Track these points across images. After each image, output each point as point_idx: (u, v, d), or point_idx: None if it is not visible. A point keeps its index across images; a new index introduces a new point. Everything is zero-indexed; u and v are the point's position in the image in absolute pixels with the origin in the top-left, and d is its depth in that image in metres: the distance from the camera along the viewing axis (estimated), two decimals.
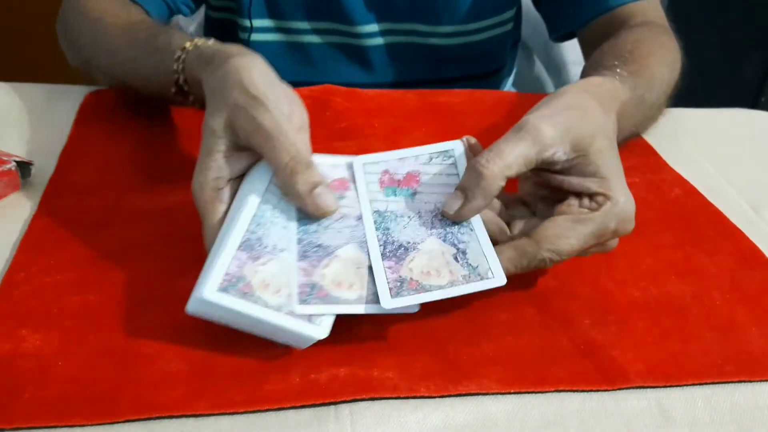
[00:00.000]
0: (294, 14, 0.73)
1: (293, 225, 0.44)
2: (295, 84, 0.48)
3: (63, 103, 0.64)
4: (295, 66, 0.76)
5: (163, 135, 0.61)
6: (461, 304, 0.45)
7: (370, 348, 0.41)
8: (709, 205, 0.57)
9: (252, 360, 0.40)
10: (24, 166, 0.53)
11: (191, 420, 0.37)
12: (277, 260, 0.41)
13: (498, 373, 0.40)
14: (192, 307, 0.39)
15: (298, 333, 0.39)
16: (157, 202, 0.52)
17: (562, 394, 0.40)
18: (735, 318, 0.45)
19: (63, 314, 0.42)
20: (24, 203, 0.52)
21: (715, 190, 0.59)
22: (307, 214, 0.44)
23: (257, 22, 0.74)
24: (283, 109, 0.44)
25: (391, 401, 0.38)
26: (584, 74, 0.61)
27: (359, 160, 0.47)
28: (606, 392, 0.40)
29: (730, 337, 0.44)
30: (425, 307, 0.44)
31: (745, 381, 0.41)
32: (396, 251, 0.43)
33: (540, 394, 0.40)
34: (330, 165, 0.47)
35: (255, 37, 0.75)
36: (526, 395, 0.40)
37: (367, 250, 0.43)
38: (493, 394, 0.39)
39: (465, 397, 0.39)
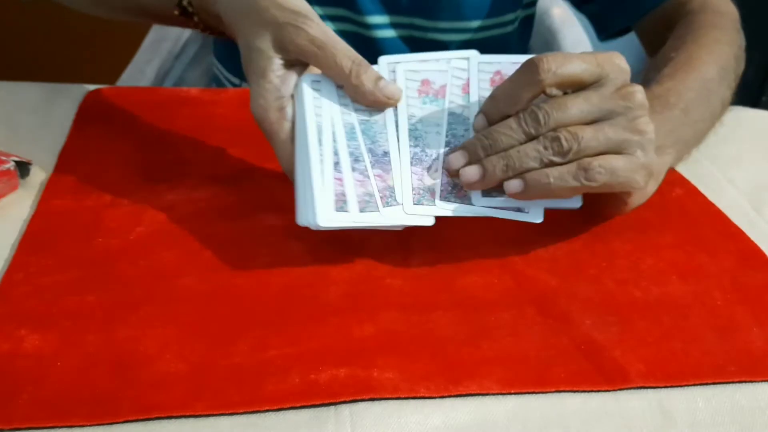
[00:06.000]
0: None
1: (361, 129, 0.46)
2: None
3: (62, 103, 0.64)
4: None
5: (163, 135, 0.60)
6: (461, 303, 0.44)
7: (370, 348, 0.41)
8: (710, 205, 0.57)
9: (251, 360, 0.40)
10: (23, 166, 0.53)
11: (190, 420, 0.37)
12: (358, 171, 0.45)
13: (498, 373, 0.40)
14: (305, 223, 0.44)
15: (413, 225, 0.45)
16: (157, 201, 0.52)
17: (562, 394, 0.40)
18: (736, 318, 0.45)
19: (62, 314, 0.42)
20: (23, 203, 0.52)
21: (717, 190, 0.59)
22: (378, 106, 0.46)
23: None
24: (322, 20, 0.45)
25: (391, 402, 0.38)
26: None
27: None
28: (607, 392, 0.40)
29: (732, 338, 0.44)
30: (425, 305, 0.44)
31: (746, 381, 0.41)
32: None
33: (541, 395, 0.40)
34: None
35: None
36: (527, 396, 0.39)
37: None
38: (493, 394, 0.39)
39: (465, 398, 0.39)
